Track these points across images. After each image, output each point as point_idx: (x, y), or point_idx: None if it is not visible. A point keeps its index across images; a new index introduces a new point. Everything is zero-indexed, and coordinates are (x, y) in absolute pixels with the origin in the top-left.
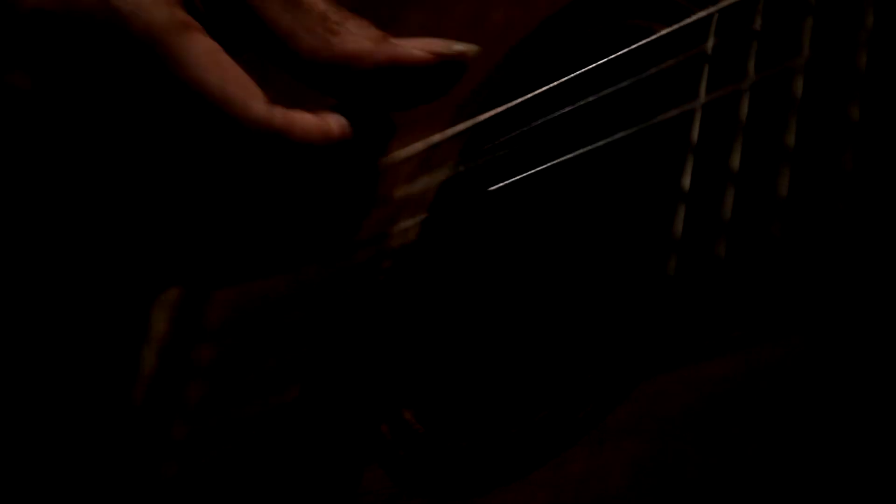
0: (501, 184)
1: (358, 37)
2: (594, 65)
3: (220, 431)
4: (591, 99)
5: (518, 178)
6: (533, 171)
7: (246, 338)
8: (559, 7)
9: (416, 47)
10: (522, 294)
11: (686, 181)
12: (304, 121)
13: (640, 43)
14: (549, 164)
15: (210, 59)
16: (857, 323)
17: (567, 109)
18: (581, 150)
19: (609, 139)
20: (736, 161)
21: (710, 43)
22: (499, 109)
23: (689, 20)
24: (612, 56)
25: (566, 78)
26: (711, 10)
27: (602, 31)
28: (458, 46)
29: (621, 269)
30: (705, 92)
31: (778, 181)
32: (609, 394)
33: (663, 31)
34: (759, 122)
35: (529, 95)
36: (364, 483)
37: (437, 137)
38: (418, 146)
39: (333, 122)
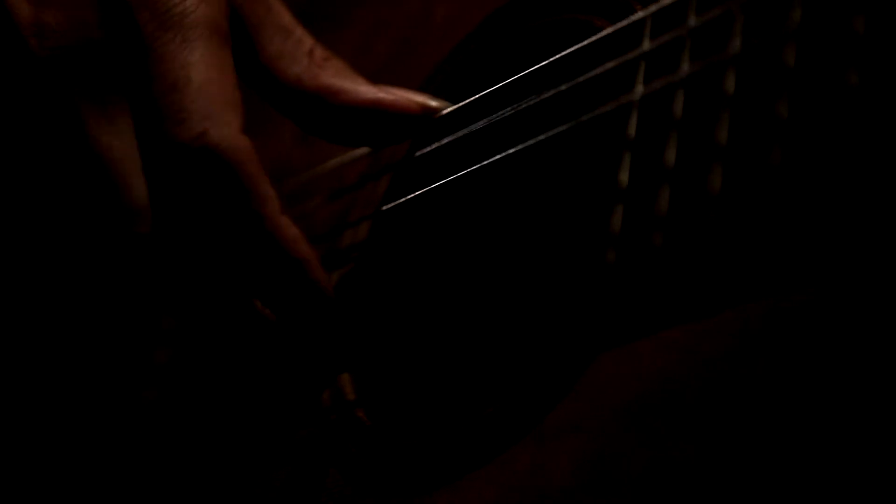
0: (444, 180)
1: (341, 74)
2: (535, 66)
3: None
4: (532, 98)
5: (460, 174)
6: (475, 167)
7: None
8: (503, 2)
9: (403, 96)
10: (467, 290)
11: (624, 176)
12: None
13: (582, 44)
14: (489, 161)
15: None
16: (793, 314)
17: (509, 111)
18: (521, 146)
19: (549, 133)
20: (671, 156)
21: (646, 41)
22: (450, 108)
23: (628, 20)
24: (554, 58)
25: (509, 80)
26: (651, 9)
27: (544, 27)
28: (436, 102)
29: (562, 264)
30: (642, 87)
31: (710, 175)
32: (552, 388)
33: (604, 32)
34: (693, 118)
35: (475, 97)
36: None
37: None
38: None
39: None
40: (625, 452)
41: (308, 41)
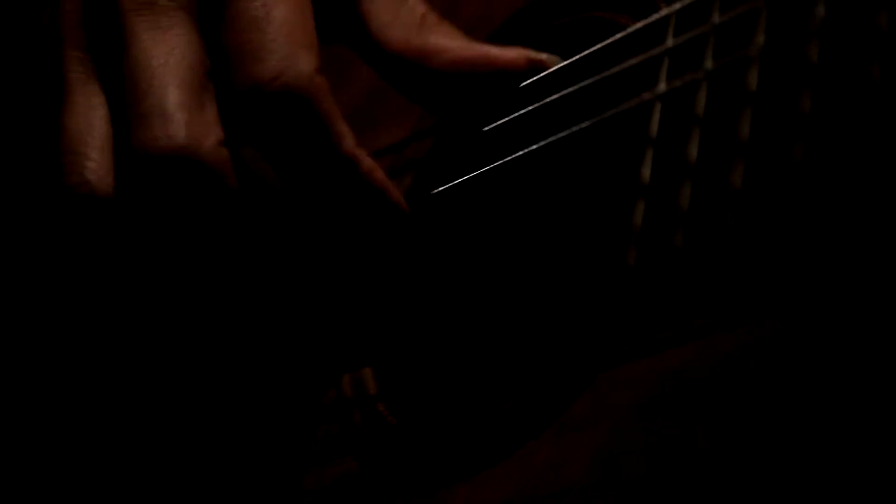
0: (464, 178)
1: (450, 35)
2: (561, 65)
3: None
4: (554, 96)
5: (480, 171)
6: (495, 164)
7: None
8: (527, 1)
9: (513, 49)
10: (487, 287)
11: (646, 173)
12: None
13: (607, 42)
14: (510, 158)
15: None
16: (812, 311)
17: (532, 107)
18: (542, 143)
19: (571, 130)
20: (693, 152)
21: (670, 37)
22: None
23: (652, 18)
24: (578, 57)
25: (534, 78)
26: (675, 6)
27: (567, 26)
28: (542, 55)
29: (582, 262)
30: (665, 84)
31: (732, 172)
32: (572, 384)
33: (629, 30)
34: (715, 115)
35: (501, 95)
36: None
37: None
38: None
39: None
40: (639, 450)
41: (420, 8)
